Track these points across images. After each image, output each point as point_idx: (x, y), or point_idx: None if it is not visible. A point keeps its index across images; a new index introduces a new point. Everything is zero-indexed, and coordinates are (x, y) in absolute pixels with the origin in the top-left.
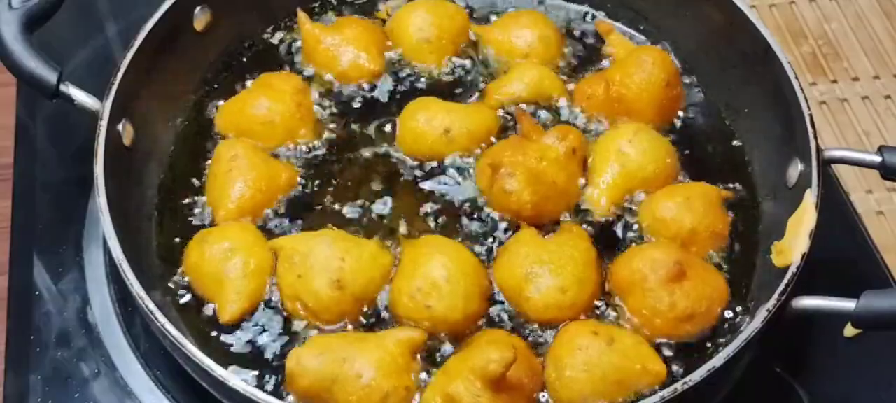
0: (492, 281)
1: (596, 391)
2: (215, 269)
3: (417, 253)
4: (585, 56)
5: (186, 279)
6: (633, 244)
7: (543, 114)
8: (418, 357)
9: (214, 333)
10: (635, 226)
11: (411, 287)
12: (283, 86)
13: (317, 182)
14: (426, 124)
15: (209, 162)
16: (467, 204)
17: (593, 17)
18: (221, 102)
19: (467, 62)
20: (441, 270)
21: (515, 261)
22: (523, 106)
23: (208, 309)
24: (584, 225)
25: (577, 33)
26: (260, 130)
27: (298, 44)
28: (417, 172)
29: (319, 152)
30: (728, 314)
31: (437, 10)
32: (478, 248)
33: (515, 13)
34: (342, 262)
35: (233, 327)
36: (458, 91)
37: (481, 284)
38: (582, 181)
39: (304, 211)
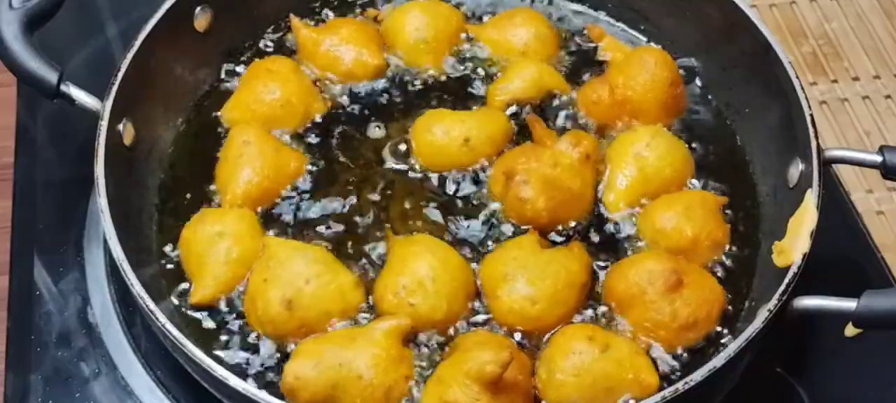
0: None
1: (584, 396)
2: (201, 249)
3: (405, 252)
4: (584, 57)
5: (176, 252)
6: (628, 254)
7: (555, 114)
8: (407, 343)
9: (214, 332)
10: (636, 237)
11: (397, 284)
12: (281, 68)
13: (321, 180)
14: (444, 136)
15: (209, 160)
16: (480, 213)
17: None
18: (223, 98)
19: (464, 62)
20: (427, 270)
21: (501, 258)
22: (528, 107)
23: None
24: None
25: (575, 34)
26: (281, 114)
27: None
28: (428, 181)
29: (323, 154)
30: (729, 315)
31: (432, 11)
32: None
33: (510, 11)
34: (306, 284)
35: (233, 322)
36: (458, 91)
37: (467, 286)
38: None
39: (307, 202)
